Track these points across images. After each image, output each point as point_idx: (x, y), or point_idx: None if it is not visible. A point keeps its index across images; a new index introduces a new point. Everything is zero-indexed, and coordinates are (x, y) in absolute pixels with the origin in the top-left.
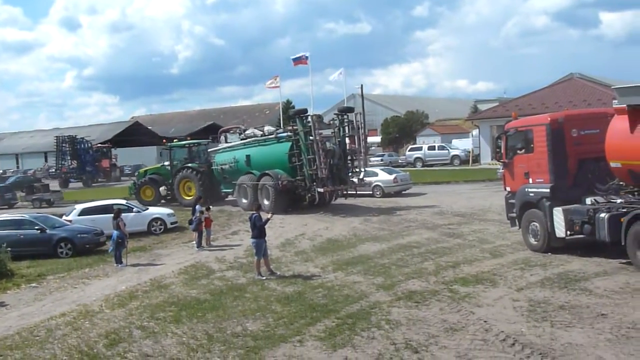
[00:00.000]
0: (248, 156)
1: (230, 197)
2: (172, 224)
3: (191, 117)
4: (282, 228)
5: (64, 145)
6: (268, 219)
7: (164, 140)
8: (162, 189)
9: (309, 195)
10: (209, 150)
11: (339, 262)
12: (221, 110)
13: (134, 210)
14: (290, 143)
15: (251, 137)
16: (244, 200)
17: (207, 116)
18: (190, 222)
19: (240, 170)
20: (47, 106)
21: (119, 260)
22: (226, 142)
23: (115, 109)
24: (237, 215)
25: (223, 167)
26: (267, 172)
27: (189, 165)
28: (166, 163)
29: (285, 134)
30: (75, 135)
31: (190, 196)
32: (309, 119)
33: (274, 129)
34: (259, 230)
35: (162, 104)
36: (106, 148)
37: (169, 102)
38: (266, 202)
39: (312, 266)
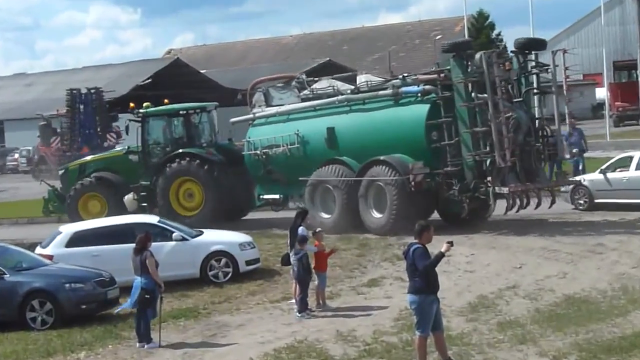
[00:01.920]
0: (331, 130)
1: (270, 206)
2: (249, 263)
3: (282, 50)
4: (468, 271)
5: (81, 104)
6: (443, 252)
7: (132, 105)
8: (129, 197)
9: (468, 200)
10: (233, 121)
11: (591, 345)
12: (346, 33)
13: (174, 235)
14: (428, 105)
15: (328, 93)
16: (325, 215)
17: (316, 46)
18: (286, 261)
19: (307, 156)
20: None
21: (144, 337)
22: (267, 103)
23: (135, 34)
24: (354, 243)
25: (267, 151)
26: (378, 158)
27: (188, 150)
28: (132, 147)
29: (416, 88)
30: (100, 89)
31: (192, 209)
32: (482, 58)
33: (388, 79)
34: (424, 278)
35: (226, 26)
36: (115, 112)
37: (239, 20)
38: (376, 215)
39: (535, 353)
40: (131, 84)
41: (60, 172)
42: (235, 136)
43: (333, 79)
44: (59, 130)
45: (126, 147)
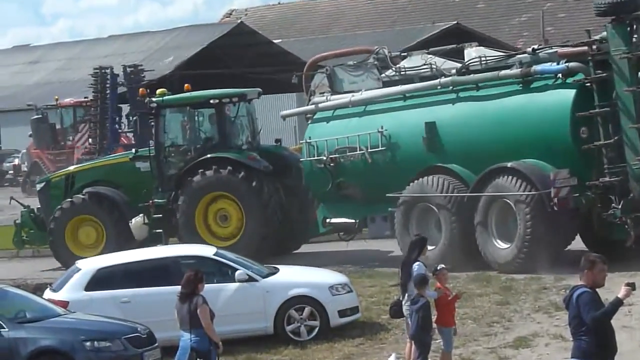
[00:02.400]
0: (431, 126)
1: (338, 234)
2: (344, 314)
3: (389, 11)
4: None
5: (113, 86)
6: (621, 299)
7: (142, 91)
8: (137, 221)
9: (634, 223)
10: (284, 114)
11: None
12: None
13: (238, 274)
14: (574, 90)
15: (423, 74)
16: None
17: (438, 5)
18: (396, 312)
19: (396, 164)
20: None
21: None
22: (334, 89)
23: None
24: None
25: (336, 157)
26: (504, 165)
27: (220, 154)
28: (140, 151)
29: (556, 66)
30: (139, 66)
31: (227, 237)
32: None
33: (511, 53)
34: (595, 336)
35: None
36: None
37: None
38: (501, 245)
39: None
40: (176, 60)
41: (39, 186)
42: (286, 136)
43: (429, 53)
44: (58, 126)
45: (132, 151)
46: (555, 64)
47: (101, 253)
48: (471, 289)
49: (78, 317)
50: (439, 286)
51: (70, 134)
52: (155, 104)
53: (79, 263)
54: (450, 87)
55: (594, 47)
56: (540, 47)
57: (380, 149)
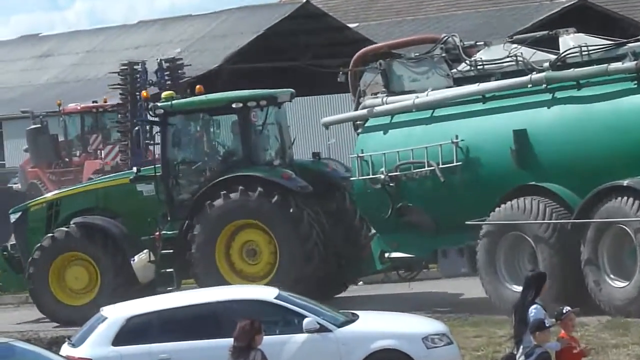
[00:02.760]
0: (521, 135)
1: (397, 273)
2: None
3: None
4: None
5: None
6: None
7: (145, 94)
8: (141, 259)
9: None
10: (326, 122)
11: None
12: None
13: (306, 323)
14: None
15: (506, 69)
16: (516, 286)
17: None
18: None
19: (477, 183)
20: None
21: None
22: (390, 89)
23: None
24: None
25: (397, 175)
26: (619, 184)
27: (246, 172)
28: (143, 170)
29: None
30: (178, 60)
31: (256, 276)
32: None
33: (618, 41)
34: None
35: None
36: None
37: None
38: (616, 284)
39: None
40: (224, 51)
41: (13, 217)
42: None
43: (513, 42)
44: (61, 138)
45: (133, 170)
46: None
47: (95, 300)
48: (604, 338)
49: None
50: (563, 335)
51: (76, 147)
52: (161, 111)
53: (105, 310)
54: (544, 86)
55: None
56: None
57: (455, 164)
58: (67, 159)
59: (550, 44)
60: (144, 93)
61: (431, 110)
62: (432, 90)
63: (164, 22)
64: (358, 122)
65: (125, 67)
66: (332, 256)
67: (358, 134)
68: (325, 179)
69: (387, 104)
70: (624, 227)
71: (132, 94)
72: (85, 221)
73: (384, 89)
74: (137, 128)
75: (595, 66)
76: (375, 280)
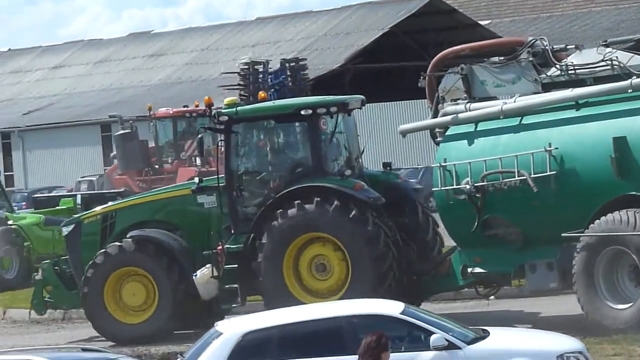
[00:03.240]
0: (621, 142)
1: (475, 289)
2: None
3: None
4: None
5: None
6: None
7: (208, 100)
8: (204, 275)
9: None
10: (403, 130)
11: None
12: None
13: (434, 339)
14: None
15: (600, 73)
16: (619, 305)
17: None
18: None
19: (573, 193)
20: None
21: None
22: (472, 95)
23: None
24: None
25: (484, 185)
26: None
27: (317, 183)
28: (206, 180)
29: None
30: (302, 60)
31: (325, 293)
32: None
33: None
34: None
35: None
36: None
37: None
38: None
39: None
40: (347, 50)
41: (65, 229)
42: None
43: (606, 45)
44: (152, 144)
45: (195, 180)
46: None
47: (154, 317)
48: None
49: None
50: None
51: (168, 153)
52: (225, 118)
53: (220, 325)
54: None
55: None
56: None
57: (548, 174)
58: (157, 166)
59: None
60: (261, 94)
61: (519, 118)
62: (519, 96)
63: (283, 19)
64: (437, 130)
65: (247, 66)
66: (404, 274)
67: (437, 143)
68: (397, 191)
69: (470, 110)
70: None
71: (254, 95)
72: (141, 234)
73: (465, 95)
74: (200, 136)
75: None
76: (443, 297)
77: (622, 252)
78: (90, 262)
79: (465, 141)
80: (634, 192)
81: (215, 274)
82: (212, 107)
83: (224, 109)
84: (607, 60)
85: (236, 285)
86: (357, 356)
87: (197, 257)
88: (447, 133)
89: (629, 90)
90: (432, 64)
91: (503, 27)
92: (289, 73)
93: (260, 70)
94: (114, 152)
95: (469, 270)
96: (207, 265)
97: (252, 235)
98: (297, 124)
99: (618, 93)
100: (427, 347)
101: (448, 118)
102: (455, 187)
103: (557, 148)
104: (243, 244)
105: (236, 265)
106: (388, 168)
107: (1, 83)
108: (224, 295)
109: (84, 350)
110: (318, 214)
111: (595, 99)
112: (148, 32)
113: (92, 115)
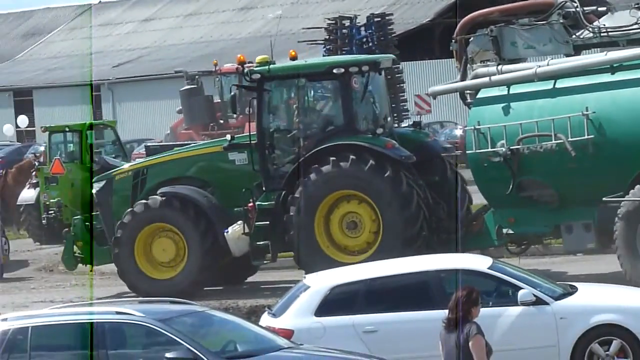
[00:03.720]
0: None
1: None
2: None
3: None
4: None
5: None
6: None
7: (241, 58)
8: (235, 231)
9: None
10: (434, 91)
11: None
12: None
13: (522, 295)
14: None
15: (633, 35)
16: None
17: None
18: None
19: (611, 157)
20: None
21: None
22: (502, 56)
23: None
24: None
25: (519, 148)
26: None
27: (349, 140)
28: (237, 138)
29: None
30: (387, 15)
31: (356, 251)
32: None
33: None
34: None
35: None
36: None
37: None
38: None
39: None
40: (437, 4)
41: (97, 185)
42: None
43: (639, 7)
44: (217, 99)
45: (227, 138)
46: None
47: (183, 272)
48: None
49: (307, 351)
50: None
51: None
52: (258, 76)
53: (308, 279)
54: None
55: None
56: None
57: (586, 137)
58: (222, 121)
59: None
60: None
61: (554, 81)
62: (551, 58)
63: None
64: (468, 92)
65: (333, 22)
66: (434, 232)
67: (468, 105)
68: (427, 150)
69: (502, 72)
70: None
71: (341, 50)
72: (172, 191)
73: (495, 56)
74: (232, 93)
75: None
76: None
77: None
78: (119, 222)
79: (499, 104)
80: None
81: (247, 230)
82: (245, 65)
83: (256, 66)
84: (638, 22)
85: (267, 242)
86: (445, 310)
87: (228, 214)
88: (480, 95)
89: None
90: (459, 26)
91: None
92: (373, 29)
93: (347, 25)
94: (180, 107)
95: (504, 230)
96: (239, 222)
97: (283, 192)
98: (329, 82)
99: None
100: (515, 303)
101: (480, 80)
102: (490, 149)
103: (594, 112)
104: (274, 201)
105: (267, 222)
106: (418, 127)
107: (92, 36)
108: (255, 251)
109: (173, 302)
110: (353, 172)
111: (628, 62)
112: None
113: (182, 68)
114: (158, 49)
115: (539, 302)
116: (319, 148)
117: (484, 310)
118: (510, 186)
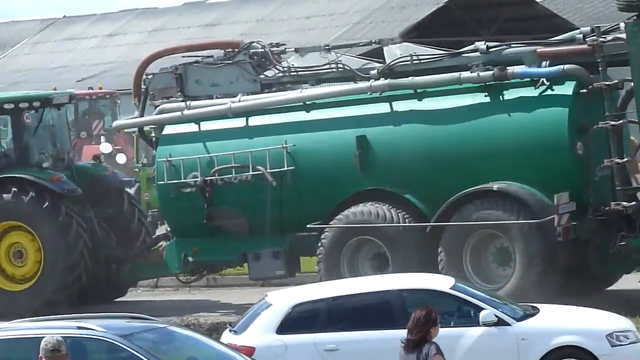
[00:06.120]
0: (361, 139)
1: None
2: None
3: None
4: None
5: None
6: None
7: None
8: None
9: None
10: (119, 125)
11: None
12: None
13: (483, 316)
14: (569, 98)
15: (321, 74)
16: None
17: None
18: None
19: (307, 189)
20: None
21: None
22: (186, 93)
23: None
24: None
25: (214, 179)
26: (488, 188)
27: (16, 173)
28: None
29: (549, 69)
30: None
31: (22, 278)
32: None
33: (450, 52)
34: None
35: None
36: None
37: None
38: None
39: None
40: (401, 24)
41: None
42: None
43: (329, 49)
44: None
45: None
46: (539, 65)
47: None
48: None
49: None
50: None
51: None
52: None
53: (270, 297)
54: (381, 93)
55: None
56: (498, 43)
57: (286, 168)
58: None
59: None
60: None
61: (248, 116)
62: (242, 95)
63: None
64: (150, 127)
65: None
66: (103, 262)
67: (156, 138)
68: (104, 183)
69: (191, 108)
70: (497, 232)
71: None
72: None
73: (178, 93)
74: None
75: (446, 75)
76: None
77: (369, 241)
78: None
79: (190, 137)
80: (384, 188)
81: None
82: None
83: None
84: (332, 63)
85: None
86: (406, 330)
87: None
88: (167, 131)
89: (368, 93)
90: (142, 61)
91: (559, 4)
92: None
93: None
94: None
95: (190, 258)
96: None
97: None
98: (2, 117)
99: (357, 94)
100: (476, 323)
101: (170, 115)
102: (182, 180)
103: (293, 145)
104: None
105: None
106: (98, 161)
107: (55, 50)
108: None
109: (133, 318)
110: (15, 203)
111: (320, 100)
112: (203, 1)
113: None
114: (122, 64)
115: (500, 322)
116: None
117: (445, 331)
118: (202, 216)
